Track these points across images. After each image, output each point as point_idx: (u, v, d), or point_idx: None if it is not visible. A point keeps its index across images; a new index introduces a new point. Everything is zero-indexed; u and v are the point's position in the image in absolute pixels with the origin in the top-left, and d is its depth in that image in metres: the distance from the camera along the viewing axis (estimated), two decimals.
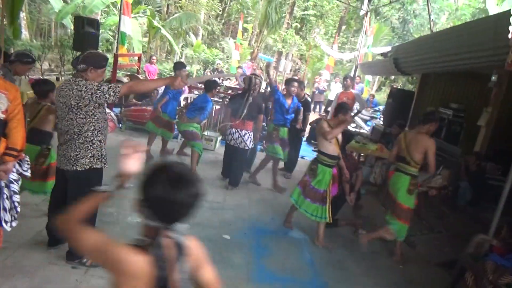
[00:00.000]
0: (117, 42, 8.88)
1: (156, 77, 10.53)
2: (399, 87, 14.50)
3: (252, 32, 23.09)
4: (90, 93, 2.81)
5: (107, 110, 6.58)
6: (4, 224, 2.72)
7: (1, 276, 2.84)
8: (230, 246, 3.95)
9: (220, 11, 24.87)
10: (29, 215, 3.66)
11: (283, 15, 16.53)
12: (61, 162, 3.02)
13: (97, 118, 2.96)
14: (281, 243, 4.21)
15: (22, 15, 16.72)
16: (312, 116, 13.28)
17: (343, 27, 18.68)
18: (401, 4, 13.99)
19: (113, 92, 2.86)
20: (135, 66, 9.39)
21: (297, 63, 25.51)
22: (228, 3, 24.15)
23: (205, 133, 7.71)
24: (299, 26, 16.66)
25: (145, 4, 16.97)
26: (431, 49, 5.58)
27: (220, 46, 24.31)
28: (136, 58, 9.63)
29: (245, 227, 4.45)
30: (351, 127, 11.53)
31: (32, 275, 2.92)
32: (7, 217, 2.74)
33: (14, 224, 2.81)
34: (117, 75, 8.75)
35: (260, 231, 4.42)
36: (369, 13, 9.36)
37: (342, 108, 4.39)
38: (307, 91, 17.63)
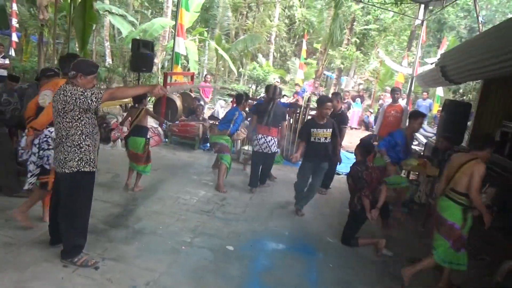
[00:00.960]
0: (172, 62, 9.39)
1: (210, 96, 10.91)
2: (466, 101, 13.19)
3: (321, 51, 22.98)
4: (74, 98, 2.97)
5: (155, 125, 7.02)
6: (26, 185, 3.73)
7: None
8: (230, 257, 3.82)
9: (285, 32, 25.22)
10: (41, 215, 3.92)
11: (344, 31, 16.17)
12: (55, 164, 3.21)
13: (84, 123, 3.10)
14: (287, 259, 3.97)
15: (107, 44, 18.61)
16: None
17: (415, 42, 17.68)
18: (467, 12, 12.83)
19: (95, 98, 2.99)
20: (188, 84, 9.81)
21: (370, 81, 24.69)
22: (297, 23, 24.37)
23: (245, 147, 7.72)
24: (358, 41, 16.09)
25: (212, 28, 17.89)
26: (481, 50, 4.97)
27: (292, 66, 24.61)
28: (189, 77, 10.09)
29: (254, 239, 4.28)
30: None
31: (25, 270, 3.09)
32: (31, 179, 3.69)
33: (31, 181, 3.71)
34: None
35: (268, 245, 4.22)
36: (425, 22, 8.75)
37: (489, 142, 3.65)
38: (375, 108, 16.98)
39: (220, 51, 14.71)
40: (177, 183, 5.77)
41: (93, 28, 10.13)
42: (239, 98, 5.93)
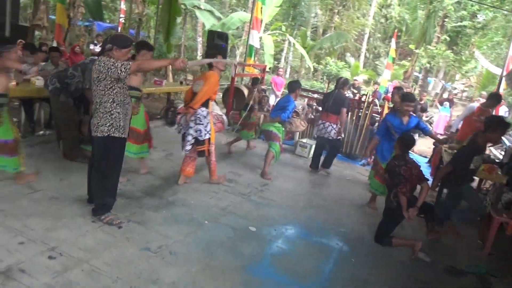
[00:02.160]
0: (245, 54, 9.66)
1: (282, 89, 10.96)
2: None
3: (413, 51, 21.61)
4: (106, 68, 3.25)
5: (219, 113, 7.37)
6: (183, 151, 4.70)
7: (37, 215, 3.48)
8: (249, 237, 3.84)
9: (379, 32, 24.15)
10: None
11: (435, 28, 14.92)
12: (91, 128, 3.54)
13: (116, 92, 3.37)
14: (308, 248, 3.85)
15: (199, 39, 19.70)
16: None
17: None
18: None
19: (124, 68, 3.24)
20: (258, 76, 9.98)
21: (473, 86, 22.56)
22: (389, 21, 23.21)
23: (303, 140, 7.64)
24: (448, 39, 14.62)
25: (299, 25, 17.89)
26: None
27: (381, 67, 23.61)
28: (261, 69, 10.25)
29: (280, 225, 4.24)
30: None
31: (59, 220, 3.47)
32: (186, 148, 4.63)
33: (187, 148, 4.65)
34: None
35: (293, 232, 4.15)
36: None
37: None
38: None
39: (297, 46, 14.66)
40: (224, 167, 5.94)
41: (179, 21, 10.83)
42: (292, 86, 5.89)
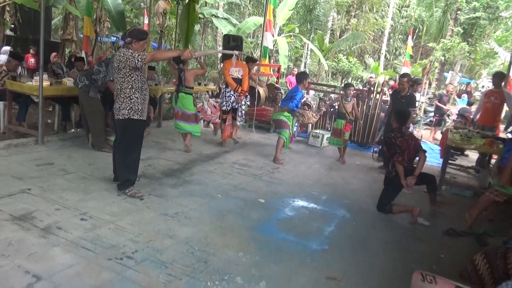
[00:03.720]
0: (260, 55, 10.11)
1: None
2: None
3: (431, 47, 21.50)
4: (125, 58, 3.74)
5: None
6: (238, 122, 6.69)
7: (70, 190, 3.98)
8: (257, 206, 4.21)
9: (400, 32, 24.14)
10: None
11: (448, 22, 14.92)
12: (114, 111, 4.04)
13: (134, 79, 3.85)
14: (312, 214, 4.20)
15: (220, 48, 20.34)
16: None
17: None
18: None
19: (140, 58, 3.73)
20: (273, 76, 10.42)
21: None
22: (405, 20, 23.19)
23: (316, 130, 7.96)
24: (461, 31, 14.51)
25: (315, 28, 18.28)
26: None
27: (398, 65, 23.58)
28: (276, 69, 10.70)
29: (288, 197, 4.60)
30: None
31: (88, 194, 3.96)
32: (239, 119, 6.63)
33: (240, 120, 6.76)
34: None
35: (299, 203, 4.48)
36: None
37: None
38: None
39: (311, 47, 15.02)
40: (239, 154, 6.36)
41: (198, 29, 11.40)
42: (299, 77, 6.26)
